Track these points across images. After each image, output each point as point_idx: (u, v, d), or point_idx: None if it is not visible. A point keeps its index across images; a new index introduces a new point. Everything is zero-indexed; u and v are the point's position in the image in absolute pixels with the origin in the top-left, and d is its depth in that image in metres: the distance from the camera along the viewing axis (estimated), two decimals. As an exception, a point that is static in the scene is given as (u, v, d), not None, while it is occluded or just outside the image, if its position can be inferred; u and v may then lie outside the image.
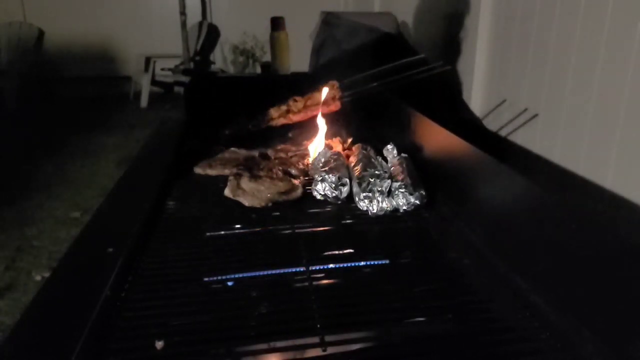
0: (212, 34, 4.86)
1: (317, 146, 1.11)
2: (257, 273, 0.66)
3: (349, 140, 1.15)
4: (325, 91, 1.20)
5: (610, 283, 0.49)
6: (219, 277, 0.65)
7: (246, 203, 0.86)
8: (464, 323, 0.57)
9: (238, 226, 0.80)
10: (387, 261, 0.70)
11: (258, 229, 0.81)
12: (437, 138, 0.94)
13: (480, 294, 0.63)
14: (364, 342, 0.54)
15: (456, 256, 0.72)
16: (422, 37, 2.81)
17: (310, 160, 1.07)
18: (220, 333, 0.55)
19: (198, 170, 1.03)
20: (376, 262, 0.70)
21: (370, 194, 0.83)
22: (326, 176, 0.87)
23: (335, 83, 1.24)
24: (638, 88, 1.18)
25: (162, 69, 4.92)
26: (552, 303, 0.55)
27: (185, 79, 1.84)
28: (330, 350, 0.51)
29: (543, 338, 0.54)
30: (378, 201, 0.83)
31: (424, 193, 0.84)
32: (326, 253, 0.72)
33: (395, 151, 1.04)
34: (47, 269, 2.03)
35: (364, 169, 0.88)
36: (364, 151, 1.00)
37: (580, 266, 0.53)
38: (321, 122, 1.16)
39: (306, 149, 1.13)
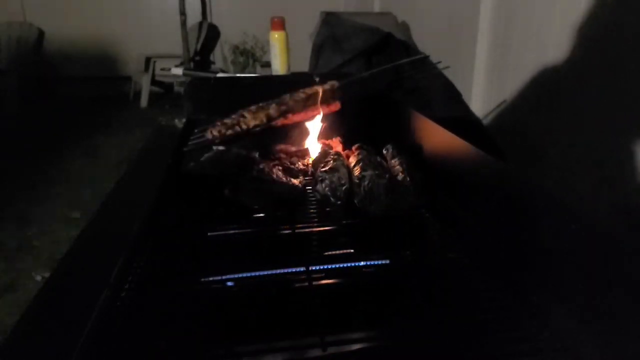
0: (212, 34, 4.86)
1: (317, 146, 1.11)
2: (257, 273, 0.66)
3: (349, 140, 1.15)
4: (325, 90, 1.20)
5: (611, 283, 0.49)
6: (219, 277, 0.65)
7: (246, 203, 0.86)
8: (464, 323, 0.57)
9: (238, 226, 0.80)
10: (387, 261, 0.70)
11: (258, 229, 0.81)
12: (437, 138, 0.94)
13: (480, 294, 0.63)
14: (364, 342, 0.54)
15: (456, 256, 0.72)
16: (422, 37, 2.81)
17: (310, 160, 1.06)
18: (220, 333, 0.55)
19: (197, 170, 1.03)
20: (376, 262, 0.70)
21: (370, 194, 0.83)
22: (326, 176, 0.87)
23: (335, 83, 1.24)
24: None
25: (162, 69, 4.92)
26: (553, 303, 0.55)
27: (185, 78, 1.84)
28: (330, 350, 0.51)
29: (543, 338, 0.54)
30: (378, 201, 0.83)
31: (424, 193, 0.84)
32: (326, 253, 0.72)
33: (395, 151, 1.04)
34: (47, 269, 2.03)
35: (364, 169, 0.88)
36: (363, 151, 1.00)
37: (581, 266, 0.53)
38: (321, 122, 1.16)
39: (306, 149, 1.13)
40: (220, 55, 5.54)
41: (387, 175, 0.87)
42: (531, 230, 0.61)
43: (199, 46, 4.73)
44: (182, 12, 4.38)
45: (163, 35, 5.05)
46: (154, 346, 0.52)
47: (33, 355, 0.45)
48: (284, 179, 0.92)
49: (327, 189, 0.86)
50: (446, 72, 1.71)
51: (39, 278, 1.97)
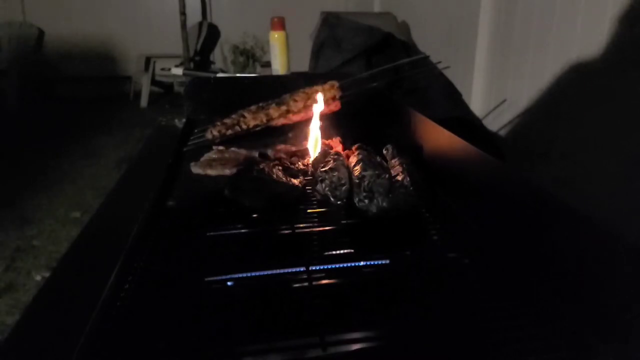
0: (212, 34, 4.86)
1: (317, 146, 1.11)
2: (257, 273, 0.66)
3: (349, 140, 1.15)
4: (325, 91, 1.20)
5: (611, 283, 0.49)
6: (219, 277, 0.65)
7: (246, 202, 0.86)
8: (464, 323, 0.57)
9: (238, 226, 0.80)
10: (387, 261, 0.70)
11: (258, 229, 0.81)
12: (437, 138, 0.94)
13: (480, 294, 0.63)
14: (364, 342, 0.54)
15: (456, 256, 0.72)
16: (422, 37, 2.81)
17: (310, 160, 1.06)
18: (220, 333, 0.55)
19: (197, 170, 1.03)
20: (376, 262, 0.70)
21: (370, 194, 0.83)
22: (326, 176, 0.87)
23: (335, 83, 1.24)
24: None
25: (162, 69, 4.93)
26: (553, 303, 0.55)
27: (185, 78, 1.84)
28: (330, 350, 0.51)
29: (543, 338, 0.54)
30: (378, 201, 0.83)
31: (424, 193, 0.84)
32: (326, 253, 0.72)
33: (395, 151, 1.04)
34: (47, 269, 2.04)
35: (364, 169, 0.88)
36: (364, 151, 1.00)
37: (581, 266, 0.53)
38: (321, 122, 1.16)
39: (306, 149, 1.13)
40: (220, 55, 5.55)
41: (387, 175, 0.87)
42: (531, 230, 0.61)
43: (199, 46, 4.74)
44: (182, 12, 4.40)
45: (163, 35, 5.06)
46: (154, 346, 0.52)
47: (33, 355, 0.45)
48: (284, 179, 0.92)
49: (327, 189, 0.86)
50: (446, 72, 1.71)
51: (39, 278, 1.97)
